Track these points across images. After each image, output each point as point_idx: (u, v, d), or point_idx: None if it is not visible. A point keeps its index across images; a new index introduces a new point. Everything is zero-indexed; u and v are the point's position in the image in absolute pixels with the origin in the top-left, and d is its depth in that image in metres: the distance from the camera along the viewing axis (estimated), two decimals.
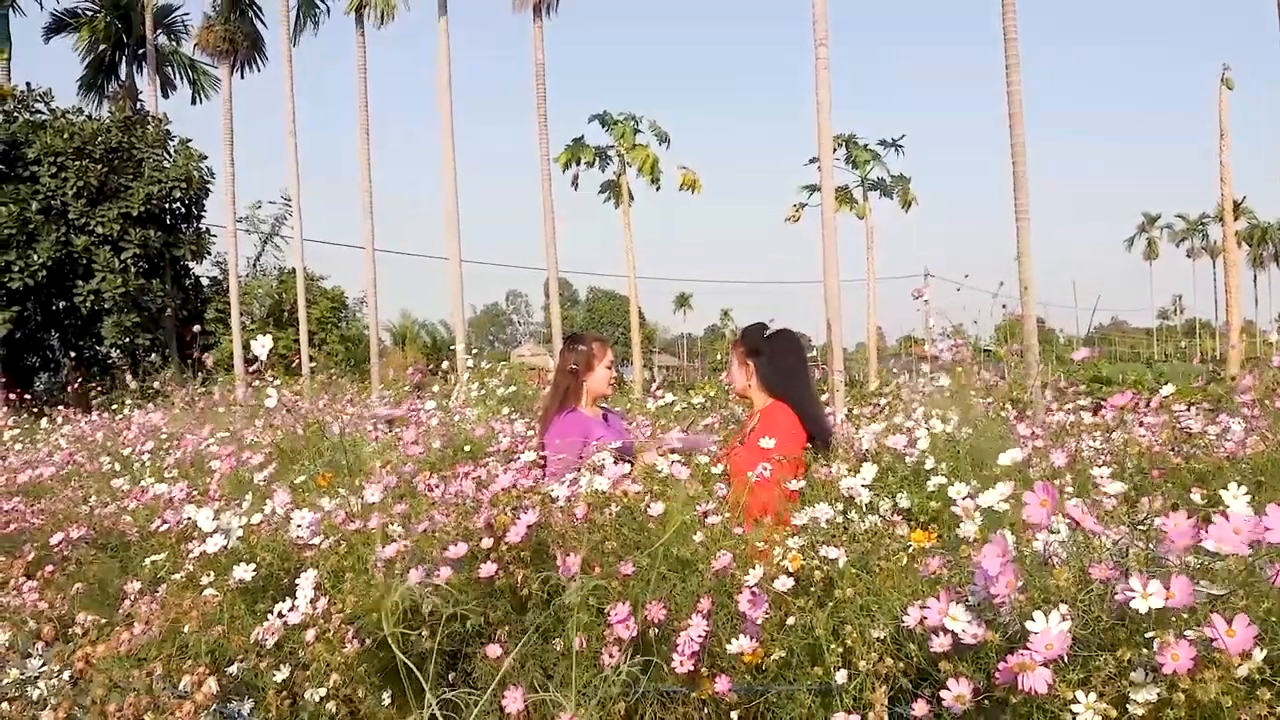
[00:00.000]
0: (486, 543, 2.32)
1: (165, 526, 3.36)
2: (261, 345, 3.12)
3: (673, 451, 2.31)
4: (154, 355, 22.41)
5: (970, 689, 1.33)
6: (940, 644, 1.53)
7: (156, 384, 8.32)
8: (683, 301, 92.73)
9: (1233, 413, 3.53)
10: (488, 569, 2.22)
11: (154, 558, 3.23)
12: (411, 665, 2.10)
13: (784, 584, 1.95)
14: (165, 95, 29.40)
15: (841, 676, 1.66)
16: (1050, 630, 1.27)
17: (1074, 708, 1.28)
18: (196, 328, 23.21)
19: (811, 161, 26.07)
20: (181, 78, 30.16)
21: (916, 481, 3.20)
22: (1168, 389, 3.16)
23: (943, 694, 1.35)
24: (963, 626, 1.45)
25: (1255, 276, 74.75)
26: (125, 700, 1.45)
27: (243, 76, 27.03)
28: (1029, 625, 1.31)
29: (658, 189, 24.32)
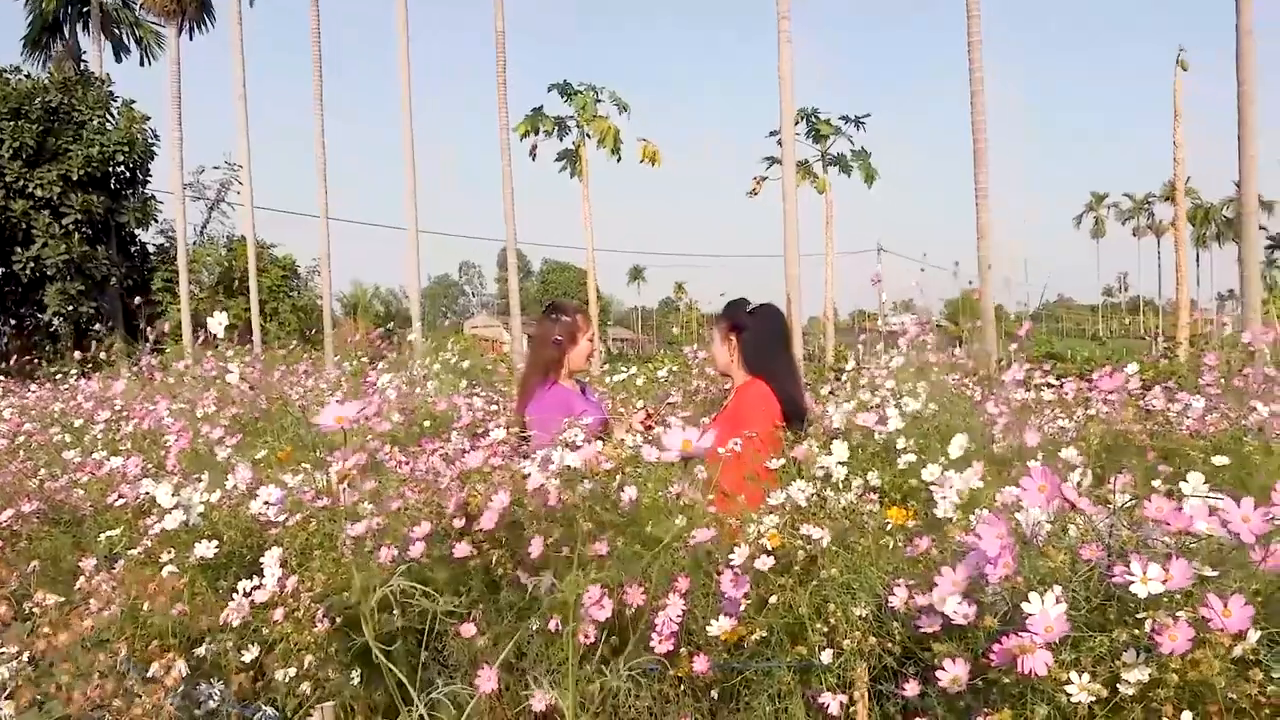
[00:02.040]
0: (459, 522, 2.28)
1: (121, 501, 3.27)
2: (218, 322, 3.03)
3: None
4: (98, 324, 21.84)
5: (967, 670, 1.33)
6: (930, 624, 1.52)
7: (104, 354, 8.11)
8: (636, 274, 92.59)
9: (1193, 391, 3.59)
10: (462, 549, 2.18)
11: (109, 533, 3.15)
12: (379, 650, 2.05)
13: (765, 563, 1.93)
14: (118, 58, 28.54)
15: (828, 656, 1.66)
16: (1049, 613, 1.26)
17: (1068, 688, 1.29)
18: (140, 298, 22.66)
19: (772, 135, 26.09)
20: (131, 39, 29.23)
21: (887, 459, 3.21)
22: (1132, 368, 3.20)
23: (938, 675, 1.35)
24: (954, 607, 1.45)
25: (1198, 255, 76.43)
26: (91, 686, 1.39)
27: (190, 38, 26.30)
28: (1025, 607, 1.31)
29: (618, 160, 24.18)
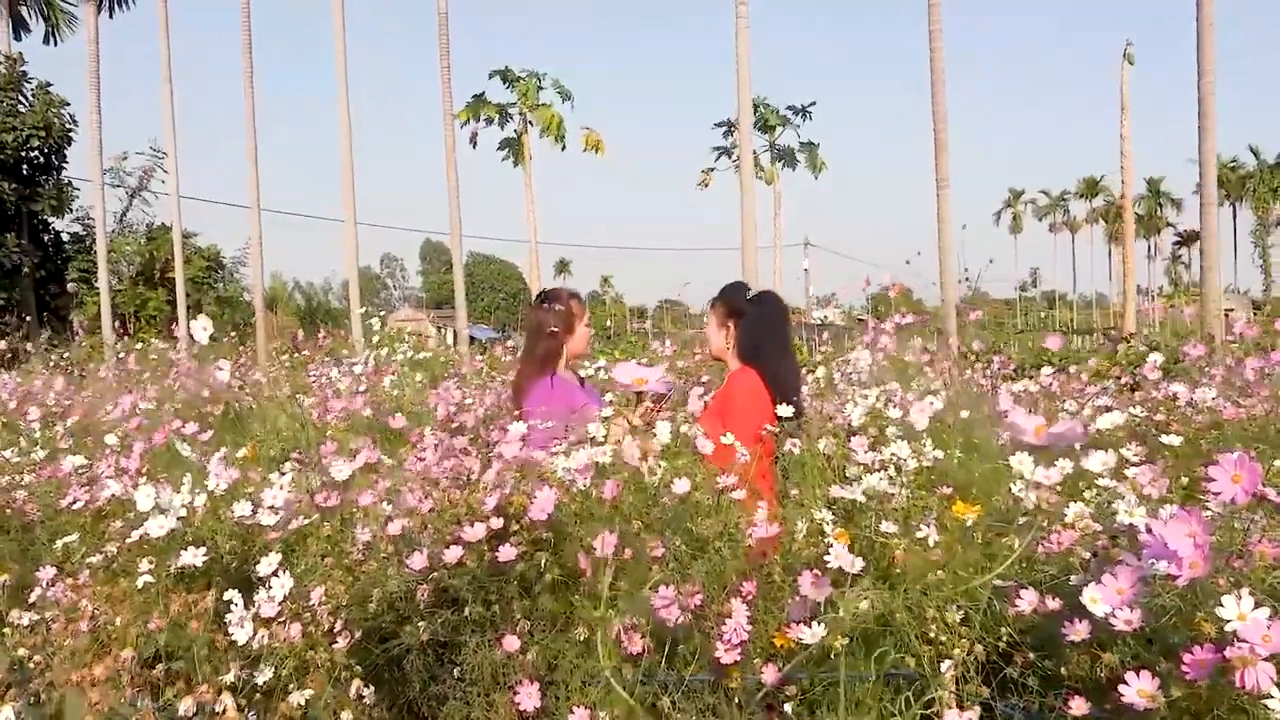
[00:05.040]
0: (497, 523, 2.08)
1: (78, 504, 3.01)
2: (201, 327, 2.78)
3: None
4: (9, 316, 20.79)
5: (1156, 683, 1.19)
6: (1077, 631, 1.38)
7: (29, 346, 7.67)
8: (562, 267, 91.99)
9: (1194, 383, 3.57)
10: (507, 552, 1.98)
11: (66, 539, 2.90)
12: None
13: (855, 564, 1.78)
14: (17, 36, 26.99)
15: (946, 667, 1.51)
16: (1260, 620, 1.13)
17: (1269, 703, 1.16)
18: (55, 288, 21.64)
19: (719, 125, 26.08)
20: (36, 16, 27.77)
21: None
22: (1155, 357, 3.15)
23: (1122, 690, 1.21)
24: (1104, 610, 1.32)
25: (1110, 251, 78.84)
26: None
27: (110, 16, 25.16)
28: (1220, 612, 1.18)
29: (563, 149, 23.87)
